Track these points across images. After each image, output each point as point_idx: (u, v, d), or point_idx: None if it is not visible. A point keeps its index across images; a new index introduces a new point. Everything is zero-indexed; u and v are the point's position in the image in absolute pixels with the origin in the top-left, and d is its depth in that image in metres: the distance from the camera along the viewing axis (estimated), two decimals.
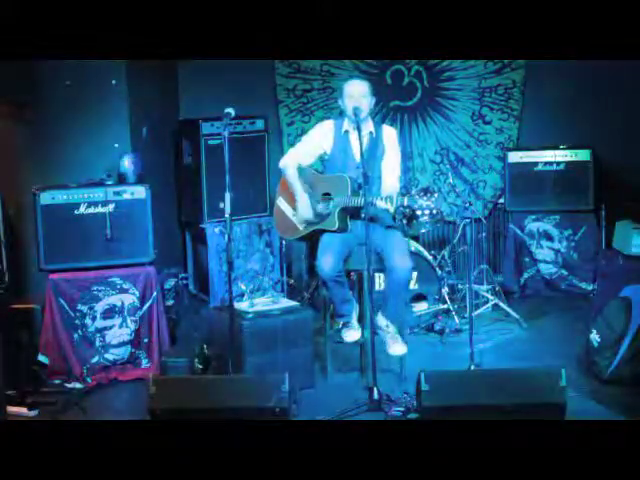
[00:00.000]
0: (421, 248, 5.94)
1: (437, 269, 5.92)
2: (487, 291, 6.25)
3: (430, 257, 5.93)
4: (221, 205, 4.58)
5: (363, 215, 4.57)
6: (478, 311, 6.03)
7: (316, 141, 5.00)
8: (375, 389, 4.45)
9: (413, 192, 4.53)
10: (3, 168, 5.33)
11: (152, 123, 6.10)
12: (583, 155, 6.55)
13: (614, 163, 6.50)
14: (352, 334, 4.97)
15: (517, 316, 6.02)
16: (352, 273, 5.03)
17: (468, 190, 5.59)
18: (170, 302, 5.89)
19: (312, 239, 4.97)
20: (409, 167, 6.99)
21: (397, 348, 4.85)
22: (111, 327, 5.13)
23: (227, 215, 4.54)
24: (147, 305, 5.16)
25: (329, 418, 4.32)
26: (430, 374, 4.15)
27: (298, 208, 4.96)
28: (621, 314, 4.85)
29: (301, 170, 4.99)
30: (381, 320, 4.86)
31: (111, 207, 5.13)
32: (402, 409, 4.41)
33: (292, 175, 4.98)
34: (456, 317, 5.89)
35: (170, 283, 6.13)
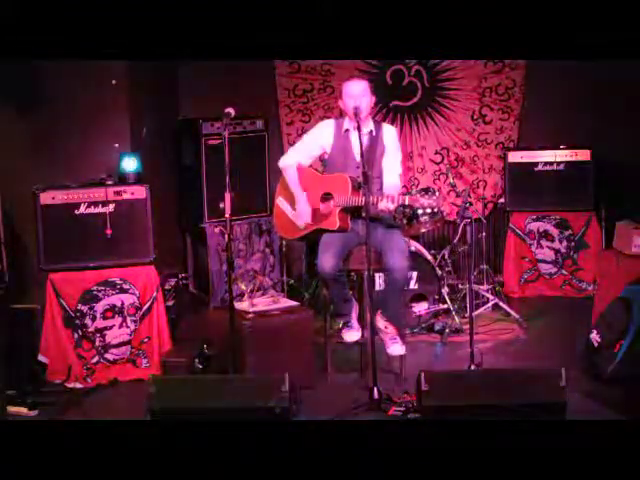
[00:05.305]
0: (421, 248, 5.94)
1: (437, 269, 5.91)
2: (487, 291, 6.25)
3: (430, 257, 5.93)
4: (221, 205, 4.57)
5: (363, 214, 4.57)
6: (478, 311, 6.03)
7: (316, 141, 4.99)
8: (375, 389, 4.46)
9: (413, 192, 4.53)
10: (3, 168, 5.33)
11: (152, 123, 6.09)
12: (583, 155, 6.56)
13: (614, 163, 6.50)
14: (352, 334, 4.97)
15: (517, 316, 6.02)
16: (352, 273, 5.03)
17: (468, 190, 5.58)
18: (170, 302, 5.88)
19: (312, 239, 4.97)
20: (409, 167, 6.99)
21: (396, 348, 4.85)
22: (111, 327, 5.12)
23: (227, 215, 4.55)
24: (147, 305, 5.16)
25: (329, 418, 4.32)
26: (430, 374, 4.15)
27: (297, 208, 4.95)
28: (621, 314, 4.84)
29: (301, 170, 4.99)
30: (381, 320, 4.86)
31: (111, 207, 5.12)
32: (402, 409, 4.41)
33: (292, 175, 4.98)
34: (456, 317, 5.88)
35: (170, 283, 6.12)
